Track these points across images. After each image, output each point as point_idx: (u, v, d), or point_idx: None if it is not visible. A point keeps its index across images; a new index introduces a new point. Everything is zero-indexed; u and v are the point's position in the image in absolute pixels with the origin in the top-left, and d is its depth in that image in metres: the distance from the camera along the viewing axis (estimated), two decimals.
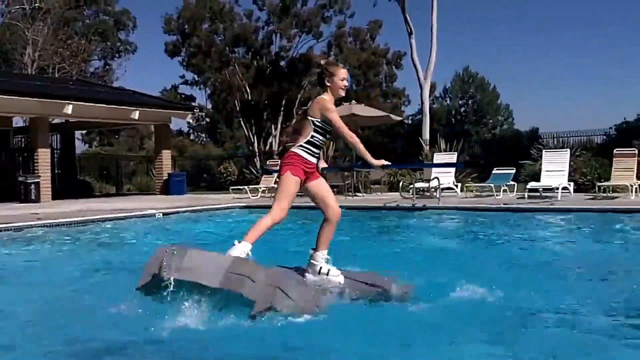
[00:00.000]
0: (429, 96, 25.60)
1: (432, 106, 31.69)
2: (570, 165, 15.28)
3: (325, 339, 3.84)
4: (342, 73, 4.98)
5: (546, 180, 14.73)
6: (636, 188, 13.89)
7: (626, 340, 3.75)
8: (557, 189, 14.00)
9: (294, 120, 5.54)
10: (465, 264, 6.42)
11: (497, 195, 15.14)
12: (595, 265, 6.40)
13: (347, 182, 17.73)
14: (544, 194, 14.61)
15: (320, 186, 5.01)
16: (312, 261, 4.95)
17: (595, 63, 61.25)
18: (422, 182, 16.65)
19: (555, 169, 14.89)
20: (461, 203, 13.86)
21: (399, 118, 24.41)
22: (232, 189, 19.11)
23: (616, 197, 13.81)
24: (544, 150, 16.27)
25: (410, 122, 40.62)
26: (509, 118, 44.30)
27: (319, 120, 4.88)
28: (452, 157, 17.16)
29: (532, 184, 14.87)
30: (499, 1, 63.28)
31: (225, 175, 26.08)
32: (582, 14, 60.24)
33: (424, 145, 21.99)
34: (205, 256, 4.45)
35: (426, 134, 22.85)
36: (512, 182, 15.51)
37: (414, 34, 24.17)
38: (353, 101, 20.53)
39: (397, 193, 16.82)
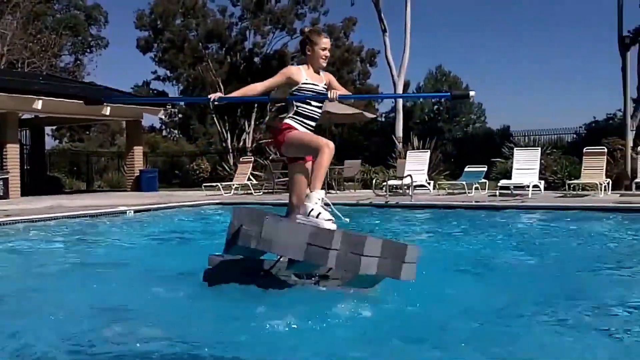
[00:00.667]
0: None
1: (405, 104, 31.80)
2: (541, 164, 15.48)
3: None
4: (324, 42, 4.88)
5: (517, 178, 14.90)
6: (605, 186, 14.12)
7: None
8: (528, 186, 14.17)
9: None
10: (434, 260, 6.42)
11: (469, 192, 15.28)
12: (559, 261, 6.49)
13: None
14: (515, 192, 14.78)
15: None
16: (305, 202, 4.66)
17: (566, 63, 62.09)
18: (395, 179, 16.73)
19: (526, 167, 15.07)
20: (433, 200, 13.94)
21: (373, 115, 24.46)
22: (205, 186, 19.00)
23: (586, 195, 14.02)
24: (515, 149, 16.46)
25: (383, 119, 40.74)
26: (481, 116, 44.74)
27: (292, 89, 4.86)
28: (425, 155, 17.26)
29: (503, 182, 15.02)
30: (473, 1, 63.76)
31: (197, 172, 25.91)
32: (554, 14, 60.97)
33: (397, 142, 22.07)
34: (283, 226, 4.41)
35: (399, 132, 22.92)
36: (484, 180, 15.66)
37: (388, 32, 24.24)
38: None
39: (371, 190, 16.87)
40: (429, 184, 16.43)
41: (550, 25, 60.45)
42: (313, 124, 4.91)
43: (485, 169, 15.89)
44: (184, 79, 35.60)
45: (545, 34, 61.83)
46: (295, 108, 4.83)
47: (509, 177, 15.23)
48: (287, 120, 4.86)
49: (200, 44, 32.18)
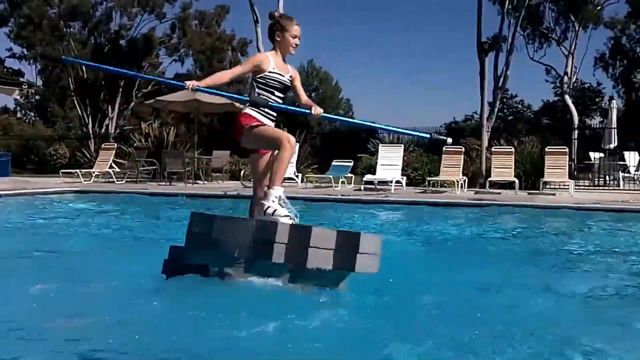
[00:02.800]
0: None
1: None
2: (403, 160, 16.06)
3: None
4: (295, 29, 4.70)
5: (381, 173, 15.36)
6: (462, 183, 14.89)
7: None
8: (391, 182, 14.64)
9: None
10: None
11: (335, 186, 15.54)
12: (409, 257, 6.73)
13: (187, 169, 17.31)
14: (379, 187, 15.22)
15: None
16: (263, 200, 4.48)
17: (430, 64, 64.85)
18: None
19: (390, 163, 15.57)
20: (300, 193, 14.04)
21: (242, 106, 24.24)
22: (63, 173, 17.96)
23: (444, 192, 14.70)
24: (380, 145, 16.96)
25: None
26: (349, 112, 45.70)
27: (256, 76, 4.66)
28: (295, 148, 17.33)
29: (368, 177, 15.45)
30: None
31: (55, 157, 24.46)
32: (420, 16, 63.44)
33: None
34: (232, 224, 4.29)
35: None
36: (350, 175, 15.99)
37: (260, 23, 24.08)
38: None
39: (239, 182, 16.70)
40: (297, 177, 16.53)
41: (417, 25, 62.88)
42: (275, 113, 4.74)
43: (351, 164, 16.23)
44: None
45: (411, 35, 64.24)
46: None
47: (374, 173, 15.67)
48: (246, 111, 4.68)
49: (62, 22, 30.34)
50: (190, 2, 33.38)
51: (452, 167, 15.36)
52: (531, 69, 59.07)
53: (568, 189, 14.65)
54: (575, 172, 18.08)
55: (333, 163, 16.42)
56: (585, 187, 16.75)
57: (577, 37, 30.97)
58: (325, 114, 4.80)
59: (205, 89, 4.85)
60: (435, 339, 3.50)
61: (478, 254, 6.80)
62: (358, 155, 18.96)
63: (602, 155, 19.34)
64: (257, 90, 4.67)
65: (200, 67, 37.71)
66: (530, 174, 15.85)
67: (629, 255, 6.85)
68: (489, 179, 15.14)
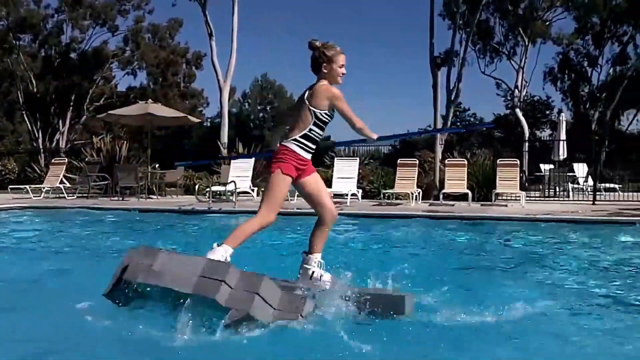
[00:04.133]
0: (228, 100, 25.57)
1: (231, 110, 31.74)
2: (359, 173, 16.16)
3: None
4: (342, 59, 4.48)
5: (337, 186, 15.42)
6: (416, 196, 15.04)
7: None
8: (347, 194, 14.70)
9: (288, 111, 4.83)
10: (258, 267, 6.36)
11: (291, 200, 15.50)
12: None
13: (140, 184, 17.06)
14: (334, 199, 15.22)
15: (315, 183, 4.59)
16: (304, 265, 4.52)
17: (385, 78, 65.62)
18: (219, 185, 16.55)
19: (345, 175, 15.65)
20: (257, 207, 13.95)
21: (198, 120, 24.08)
22: (12, 189, 17.49)
23: (399, 204, 14.81)
24: (336, 158, 17.05)
25: (209, 124, 40.38)
26: None
27: (324, 111, 4.39)
28: (250, 162, 17.25)
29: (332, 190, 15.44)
30: (296, 11, 65.28)
31: (3, 173, 23.80)
32: (374, 29, 64.20)
33: (222, 148, 21.90)
34: (177, 259, 3.96)
35: (225, 137, 22.78)
36: None
37: (215, 36, 24.02)
38: (149, 100, 19.87)
39: (193, 196, 16.52)
40: (253, 190, 16.44)
41: (372, 40, 63.57)
42: (314, 146, 4.51)
43: None
44: None
45: (366, 49, 64.89)
46: (306, 131, 4.42)
47: (330, 186, 15.70)
48: (289, 145, 4.42)
49: (10, 34, 29.70)
50: (143, 15, 33.11)
51: (406, 180, 15.51)
52: (483, 83, 60.30)
53: (519, 200, 14.93)
54: (526, 184, 18.45)
55: None
56: (536, 198, 17.11)
57: (527, 51, 31.81)
58: (381, 136, 4.63)
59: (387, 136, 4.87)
60: None
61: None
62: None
63: (552, 166, 19.81)
64: (312, 127, 4.40)
65: (154, 81, 37.35)
66: (483, 186, 16.11)
67: (579, 264, 7.01)
68: (443, 191, 15.33)
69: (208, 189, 15.56)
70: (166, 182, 18.57)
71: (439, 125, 18.71)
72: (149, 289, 3.88)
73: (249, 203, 14.89)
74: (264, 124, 43.00)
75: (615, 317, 4.59)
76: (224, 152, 21.15)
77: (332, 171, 16.29)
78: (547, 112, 38.73)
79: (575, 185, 18.88)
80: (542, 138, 36.21)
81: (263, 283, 3.88)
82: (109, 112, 20.01)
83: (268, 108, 44.18)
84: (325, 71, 4.45)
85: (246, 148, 19.95)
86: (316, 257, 4.54)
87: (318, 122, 4.40)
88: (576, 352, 3.75)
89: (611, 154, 26.58)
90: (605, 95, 32.89)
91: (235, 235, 4.27)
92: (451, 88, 23.14)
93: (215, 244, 4.19)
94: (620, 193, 17.49)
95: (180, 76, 39.67)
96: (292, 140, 4.40)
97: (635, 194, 16.47)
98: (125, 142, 21.62)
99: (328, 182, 16.13)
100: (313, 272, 4.48)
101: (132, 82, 39.88)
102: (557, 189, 18.65)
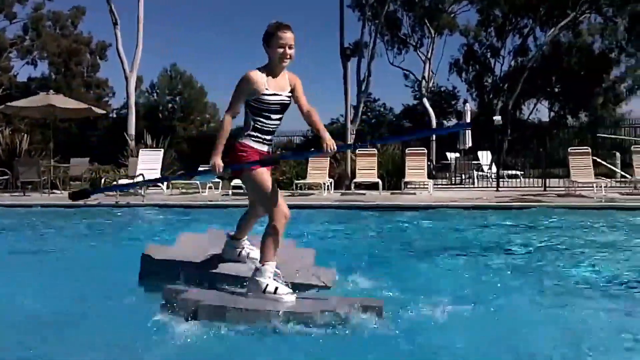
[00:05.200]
0: (135, 90, 24.83)
1: (138, 101, 30.87)
2: None
3: None
4: (283, 37, 4.10)
5: None
6: (328, 185, 15.16)
7: None
8: None
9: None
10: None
11: (202, 192, 15.28)
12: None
13: (43, 178, 16.33)
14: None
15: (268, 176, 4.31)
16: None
17: (297, 69, 65.61)
18: (127, 179, 16.08)
19: None
20: (166, 200, 13.68)
21: (103, 111, 23.29)
22: None
23: (311, 194, 14.89)
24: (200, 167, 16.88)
25: (115, 116, 39.11)
26: (215, 116, 45.15)
27: (252, 98, 4.12)
28: (159, 153, 16.86)
29: (236, 181, 15.32)
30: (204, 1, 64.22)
31: None
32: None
33: (129, 140, 21.25)
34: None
35: (132, 129, 22.10)
36: (217, 180, 15.79)
37: (120, 25, 23.24)
38: (51, 91, 19.04)
39: None
40: (162, 183, 16.09)
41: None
42: (270, 137, 4.27)
43: None
44: None
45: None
46: (253, 123, 4.18)
47: None
48: (243, 140, 4.20)
49: None
50: (43, 2, 31.64)
51: (318, 170, 15.60)
52: (392, 74, 61.42)
53: (427, 188, 15.34)
54: (433, 172, 18.96)
55: (199, 168, 16.11)
56: (443, 186, 17.62)
57: (434, 43, 32.66)
58: (339, 144, 4.46)
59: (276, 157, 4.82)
60: None
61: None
62: (226, 160, 18.72)
63: (458, 155, 20.46)
64: (251, 116, 4.18)
65: (57, 71, 35.84)
66: (393, 175, 16.43)
67: (486, 248, 7.26)
68: (354, 180, 15.52)
69: (115, 183, 15.09)
70: (70, 175, 17.89)
71: (350, 116, 18.90)
72: None
73: (159, 197, 14.58)
74: (173, 115, 42.05)
75: (515, 295, 4.81)
76: (132, 144, 20.53)
77: None
78: (453, 102, 39.86)
79: (480, 173, 19.59)
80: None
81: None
82: (7, 104, 19.11)
83: (177, 99, 43.20)
84: (267, 51, 4.19)
85: (154, 139, 19.45)
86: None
87: (255, 110, 4.16)
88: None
89: (513, 142, 27.69)
90: (508, 86, 34.19)
91: (267, 248, 4.10)
92: (361, 79, 23.42)
93: (259, 264, 4.10)
94: (522, 179, 18.27)
95: (84, 66, 38.24)
96: (245, 135, 4.23)
97: (536, 180, 17.26)
98: (26, 135, 20.61)
99: None
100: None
101: (32, 72, 38.17)
102: (463, 177, 19.29)
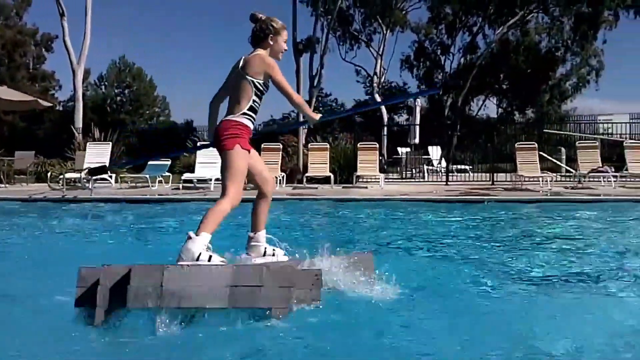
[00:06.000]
0: (83, 82, 24.30)
1: (86, 93, 30.21)
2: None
3: None
4: (286, 35, 4.50)
5: (200, 171, 15.16)
6: (280, 179, 15.13)
7: None
8: (211, 180, 14.50)
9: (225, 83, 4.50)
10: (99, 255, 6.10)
11: (152, 186, 15.06)
12: None
13: None
14: (198, 185, 15.01)
15: (254, 153, 4.44)
16: (253, 243, 4.44)
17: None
18: (74, 172, 15.74)
19: (209, 161, 15.39)
20: (115, 194, 13.43)
21: (49, 104, 22.70)
22: None
23: None
24: (199, 143, 16.72)
25: (62, 108, 38.22)
26: (165, 110, 44.60)
27: (261, 81, 4.26)
28: (107, 147, 16.54)
29: (186, 175, 15.19)
30: None
31: None
32: (233, 13, 63.55)
33: (76, 133, 20.78)
34: (191, 274, 3.68)
35: (79, 122, 21.61)
36: (167, 173, 15.60)
37: (67, 16, 22.68)
38: None
39: (46, 184, 15.59)
40: (110, 177, 15.79)
41: (233, 26, 62.85)
42: (256, 116, 4.38)
43: (169, 163, 15.84)
44: None
45: (230, 32, 64.18)
46: (251, 103, 4.27)
47: (193, 171, 15.43)
48: (239, 119, 4.23)
49: None
50: None
51: (270, 164, 15.53)
52: (344, 69, 61.64)
53: (379, 181, 15.47)
54: (385, 166, 19.14)
55: (149, 162, 15.90)
56: (395, 180, 17.80)
57: (385, 39, 32.90)
58: (323, 116, 4.72)
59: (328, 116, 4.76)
60: None
61: None
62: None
63: (408, 150, 20.70)
64: (254, 97, 4.28)
65: (0, 63, 34.79)
66: (345, 169, 16.51)
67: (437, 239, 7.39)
68: (306, 174, 15.54)
69: (62, 176, 14.75)
70: (15, 169, 17.40)
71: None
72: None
73: (107, 190, 14.31)
74: (122, 108, 41.36)
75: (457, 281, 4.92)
76: (79, 137, 20.07)
77: (195, 156, 15.99)
78: None
79: (430, 167, 19.87)
80: (400, 123, 37.76)
81: (292, 272, 3.88)
82: None
83: (126, 91, 42.53)
84: (271, 43, 4.41)
85: (103, 133, 19.08)
86: (263, 233, 4.51)
87: (258, 92, 4.30)
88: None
89: (462, 138, 28.14)
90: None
91: (209, 220, 4.03)
92: (313, 74, 23.40)
93: (190, 233, 3.97)
94: (471, 174, 18.60)
95: (29, 58, 37.22)
96: (241, 114, 4.25)
97: (483, 174, 17.58)
98: None
99: (191, 168, 15.85)
100: (265, 249, 4.46)
101: None
102: (414, 171, 19.53)
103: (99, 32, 42.19)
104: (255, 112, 4.33)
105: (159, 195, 13.21)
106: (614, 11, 30.30)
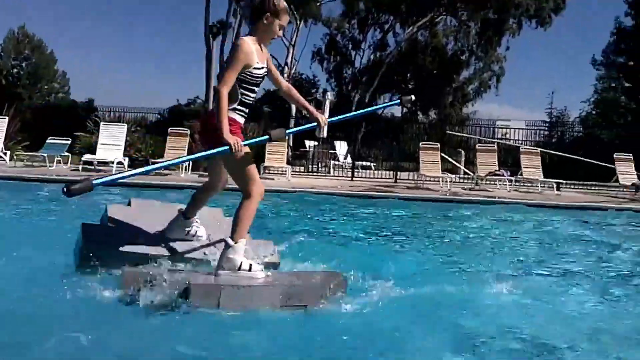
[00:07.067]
0: None
1: None
2: (126, 140, 15.52)
3: None
4: (285, 20, 4.09)
5: (102, 153, 14.68)
6: (186, 167, 14.88)
7: None
8: (113, 162, 14.06)
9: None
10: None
11: (50, 166, 14.43)
12: None
13: None
14: (98, 167, 14.52)
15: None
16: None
17: (156, 45, 63.57)
18: None
19: (111, 142, 14.94)
20: (7, 173, 12.76)
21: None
22: None
23: (168, 174, 14.54)
24: (101, 123, 16.14)
25: None
26: (65, 86, 42.68)
27: (246, 71, 3.96)
28: (2, 123, 15.69)
29: (87, 157, 14.64)
30: None
31: None
32: None
33: None
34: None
35: None
36: (66, 153, 14.99)
37: None
38: None
39: None
40: (5, 154, 14.99)
41: (144, 7, 60.83)
42: (248, 110, 4.17)
43: (68, 142, 15.23)
44: None
45: (138, 15, 62.11)
46: (240, 97, 4.01)
47: (94, 152, 14.90)
48: (231, 115, 3.94)
49: None
50: None
51: (177, 150, 15.25)
52: None
53: (285, 173, 15.52)
54: (291, 159, 19.20)
55: (48, 140, 15.23)
56: (301, 173, 17.91)
57: (299, 30, 32.89)
58: (331, 118, 4.68)
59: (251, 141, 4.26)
60: None
61: None
62: (76, 133, 17.79)
63: (316, 143, 20.86)
64: (239, 89, 4.00)
65: None
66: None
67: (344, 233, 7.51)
68: None
69: None
70: None
71: (211, 97, 18.62)
72: None
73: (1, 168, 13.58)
74: (19, 81, 39.19)
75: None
76: None
77: (97, 137, 15.44)
78: (313, 90, 40.46)
79: (336, 162, 20.12)
80: (308, 115, 37.88)
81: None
82: None
83: (24, 64, 40.31)
84: (265, 22, 4.06)
85: None
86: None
87: (246, 85, 4.04)
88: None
89: (367, 135, 28.65)
90: (366, 79, 35.26)
91: (242, 225, 3.97)
92: (224, 60, 23.11)
93: (229, 240, 3.93)
94: (375, 171, 19.00)
95: None
96: (230, 109, 3.98)
97: (387, 172, 18.00)
98: None
99: (92, 149, 15.29)
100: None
101: None
102: (320, 165, 19.71)
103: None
104: (246, 106, 4.13)
105: (56, 175, 12.65)
106: (518, 19, 31.65)
